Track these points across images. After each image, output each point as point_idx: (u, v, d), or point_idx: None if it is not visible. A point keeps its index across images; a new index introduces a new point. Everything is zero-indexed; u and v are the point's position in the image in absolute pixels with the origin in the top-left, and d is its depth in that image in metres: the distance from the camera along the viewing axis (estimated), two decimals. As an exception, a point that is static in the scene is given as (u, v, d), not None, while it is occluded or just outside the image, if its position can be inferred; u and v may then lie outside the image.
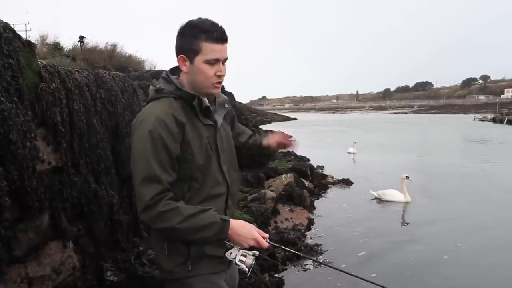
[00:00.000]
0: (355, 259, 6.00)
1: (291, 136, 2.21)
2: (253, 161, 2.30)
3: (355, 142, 18.99)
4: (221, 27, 1.83)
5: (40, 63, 3.14)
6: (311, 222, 7.82)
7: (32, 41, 3.23)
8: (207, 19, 1.83)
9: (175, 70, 1.94)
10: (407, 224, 8.22)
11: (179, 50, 1.85)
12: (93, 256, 3.53)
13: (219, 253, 1.88)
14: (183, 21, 1.85)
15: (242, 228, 1.83)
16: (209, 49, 1.80)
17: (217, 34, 1.80)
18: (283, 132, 2.26)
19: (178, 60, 1.86)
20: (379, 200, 9.72)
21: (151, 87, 1.92)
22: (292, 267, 5.46)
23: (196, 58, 1.81)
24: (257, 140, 2.22)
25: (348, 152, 18.73)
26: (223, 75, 1.86)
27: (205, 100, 1.90)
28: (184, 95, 1.84)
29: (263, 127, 34.19)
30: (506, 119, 47.86)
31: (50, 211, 2.99)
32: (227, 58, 1.87)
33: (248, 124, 19.74)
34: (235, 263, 1.84)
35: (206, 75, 1.82)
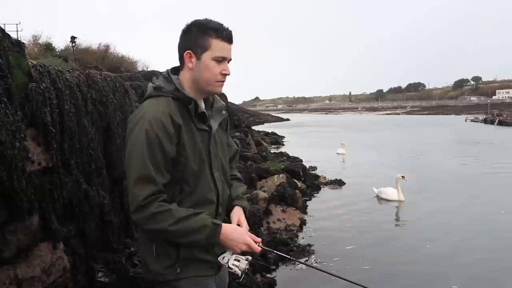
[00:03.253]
0: (346, 257, 6.09)
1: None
2: None
3: (342, 143, 19.16)
4: (228, 27, 1.85)
5: (30, 63, 3.11)
6: (303, 223, 7.82)
7: (24, 41, 3.21)
8: (215, 20, 1.84)
9: (176, 70, 1.92)
10: (397, 221, 8.49)
11: (185, 46, 1.84)
12: (84, 257, 3.50)
13: (208, 257, 1.87)
14: (177, 22, 1.85)
15: (234, 233, 1.82)
16: (218, 46, 1.81)
17: (226, 33, 1.82)
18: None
19: (184, 56, 1.84)
20: (373, 199, 9.95)
21: (150, 84, 1.90)
22: (284, 267, 5.46)
23: (204, 54, 1.81)
24: (233, 196, 2.08)
25: (337, 153, 18.85)
26: (228, 74, 1.86)
27: (202, 105, 1.88)
28: (181, 97, 1.83)
29: (256, 127, 34.25)
30: (497, 120, 48.28)
31: (40, 212, 2.95)
32: (231, 59, 1.87)
33: (241, 125, 19.73)
34: (228, 267, 1.83)
35: (212, 72, 1.82)
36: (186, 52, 1.84)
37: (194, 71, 1.84)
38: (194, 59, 1.83)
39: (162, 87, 1.85)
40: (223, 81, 1.87)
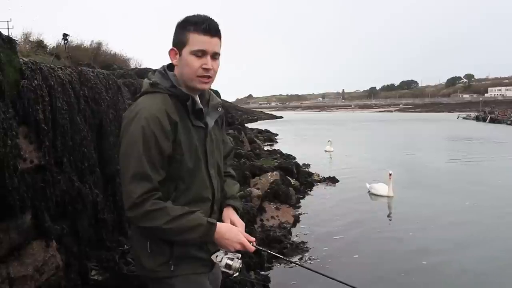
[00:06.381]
0: (337, 250, 6.31)
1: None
2: None
3: (330, 141, 19.27)
4: (213, 20, 1.80)
5: (21, 60, 3.09)
6: (297, 220, 7.84)
7: (14, 38, 3.18)
8: (202, 15, 1.81)
9: (172, 66, 1.89)
10: (385, 215, 8.73)
11: (172, 43, 1.83)
12: (77, 256, 3.49)
13: (202, 254, 1.87)
14: (170, 20, 1.82)
15: (229, 232, 1.81)
16: (196, 40, 1.76)
17: (206, 26, 1.76)
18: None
19: (169, 53, 1.83)
20: (364, 195, 10.15)
21: (146, 80, 1.88)
22: (278, 264, 5.47)
23: (183, 49, 1.78)
24: (226, 195, 2.06)
25: (325, 150, 18.94)
26: (210, 69, 1.80)
27: (198, 102, 1.87)
28: (178, 94, 1.81)
29: (250, 125, 34.27)
30: (489, 117, 48.72)
31: (33, 210, 2.94)
32: (217, 53, 1.82)
33: (234, 122, 19.74)
34: (222, 267, 1.83)
35: (191, 67, 1.78)
36: (170, 50, 1.83)
37: (178, 67, 1.83)
38: (178, 56, 1.81)
39: (159, 84, 1.83)
40: (207, 76, 1.81)
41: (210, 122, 1.93)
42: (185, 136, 1.80)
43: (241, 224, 1.98)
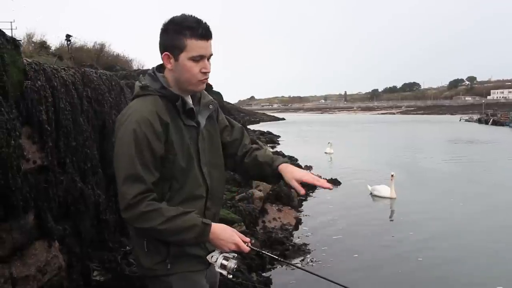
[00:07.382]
0: (338, 251, 6.35)
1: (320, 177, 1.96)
2: (246, 174, 2.16)
3: (330, 143, 19.28)
4: (205, 23, 1.80)
5: (25, 61, 3.10)
6: (299, 222, 7.85)
7: (18, 39, 3.19)
8: (191, 15, 1.81)
9: (162, 68, 1.91)
10: (388, 217, 8.87)
11: (163, 48, 1.82)
12: (79, 256, 3.49)
13: (199, 252, 1.88)
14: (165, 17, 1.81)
15: (224, 232, 1.83)
16: (194, 45, 1.77)
17: (202, 31, 1.77)
18: (310, 174, 1.99)
19: (162, 58, 1.83)
20: (367, 197, 10.21)
21: (137, 83, 1.90)
22: (280, 266, 5.46)
23: (180, 55, 1.78)
24: (269, 161, 2.04)
25: (325, 152, 18.95)
26: (209, 72, 1.84)
27: (189, 101, 1.89)
28: (168, 95, 1.83)
29: (252, 127, 34.29)
30: (491, 119, 48.66)
31: (36, 211, 2.95)
32: (211, 54, 1.84)
33: (236, 124, 19.74)
34: (217, 267, 1.84)
35: (191, 72, 1.80)
36: (164, 54, 1.82)
37: (174, 72, 1.83)
38: (172, 60, 1.81)
39: (149, 86, 1.85)
40: (205, 79, 1.85)
41: (202, 120, 1.95)
42: (177, 136, 1.82)
43: (299, 173, 1.96)
